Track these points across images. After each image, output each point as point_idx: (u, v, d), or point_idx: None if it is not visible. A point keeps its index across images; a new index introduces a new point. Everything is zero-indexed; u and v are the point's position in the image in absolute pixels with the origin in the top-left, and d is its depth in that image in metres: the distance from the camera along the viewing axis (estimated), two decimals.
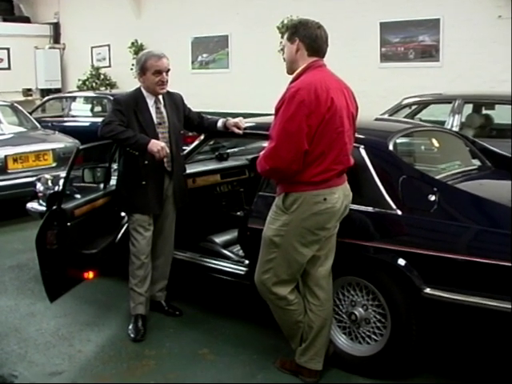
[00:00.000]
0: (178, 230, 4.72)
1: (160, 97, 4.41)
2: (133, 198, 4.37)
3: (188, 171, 5.10)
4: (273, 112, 3.45)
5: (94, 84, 15.73)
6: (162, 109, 4.41)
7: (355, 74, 11.09)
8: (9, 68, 16.91)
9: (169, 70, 4.39)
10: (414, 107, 8.11)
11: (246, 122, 4.51)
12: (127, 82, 13.82)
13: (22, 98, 16.22)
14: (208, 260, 4.64)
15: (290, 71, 3.56)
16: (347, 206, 3.58)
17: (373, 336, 3.73)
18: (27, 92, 17.06)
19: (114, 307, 4.94)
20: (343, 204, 3.50)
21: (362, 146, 3.82)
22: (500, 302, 3.19)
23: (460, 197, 3.57)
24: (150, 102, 4.37)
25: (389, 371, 3.69)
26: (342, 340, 3.86)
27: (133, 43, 14.95)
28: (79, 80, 15.97)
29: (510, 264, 3.14)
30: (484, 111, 8.11)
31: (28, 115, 9.60)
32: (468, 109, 7.96)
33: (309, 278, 3.62)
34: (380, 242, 3.57)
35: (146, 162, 4.28)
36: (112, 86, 15.67)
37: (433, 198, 3.51)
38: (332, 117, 3.31)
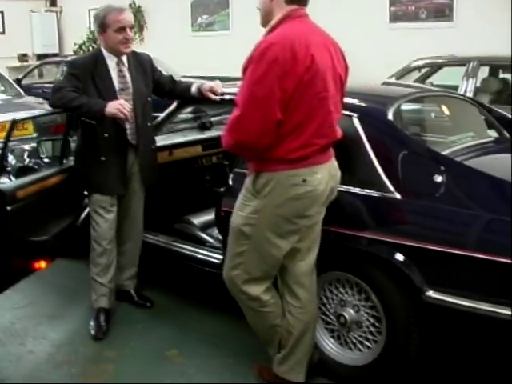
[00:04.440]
0: (152, 209, 4.14)
1: (124, 58, 3.78)
2: (91, 175, 3.78)
3: (164, 142, 4.52)
4: None
5: (90, 48, 14.99)
6: (126, 72, 3.79)
7: (362, 35, 10.42)
8: (3, 32, 16.32)
9: (133, 25, 3.75)
10: (424, 70, 7.43)
11: (224, 86, 3.87)
12: None
13: (17, 64, 15.64)
14: (180, 245, 4.05)
15: (265, 24, 2.90)
16: (334, 189, 2.94)
17: (365, 342, 3.13)
18: (23, 57, 16.42)
19: (82, 295, 4.29)
20: (328, 186, 2.86)
21: (356, 115, 3.17)
22: None
23: (473, 178, 2.91)
24: (112, 64, 3.74)
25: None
26: (329, 345, 3.26)
27: (130, 5, 14.13)
28: (75, 44, 15.30)
29: None
30: (501, 75, 7.41)
31: (11, 82, 9.03)
32: (484, 73, 7.28)
33: (287, 275, 3.01)
34: (374, 233, 2.93)
35: (106, 135, 3.68)
36: None
37: (439, 178, 2.87)
38: (312, 79, 2.65)
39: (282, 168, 2.74)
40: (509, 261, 2.57)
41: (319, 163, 2.79)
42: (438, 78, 7.55)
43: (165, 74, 4.19)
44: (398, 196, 2.93)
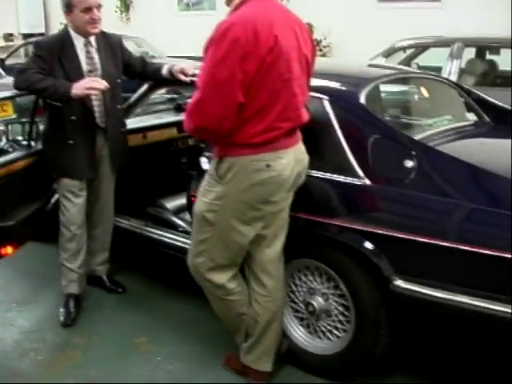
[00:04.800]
0: (126, 192, 4.06)
1: (92, 39, 3.65)
2: (59, 159, 3.66)
3: (138, 125, 4.42)
4: None
5: None
6: (94, 53, 3.66)
7: (350, 15, 10.27)
8: None
9: (100, 5, 3.61)
10: (410, 51, 7.31)
11: (196, 68, 3.75)
12: (111, 25, 13.00)
13: (2, 44, 15.38)
14: (151, 230, 3.95)
15: (229, 3, 2.78)
16: (301, 174, 2.85)
17: (335, 331, 3.05)
18: (9, 37, 16.16)
19: (54, 280, 4.17)
20: (294, 171, 2.76)
21: (327, 98, 3.06)
22: (492, 303, 2.49)
23: (445, 163, 2.80)
24: (79, 44, 3.62)
25: (353, 374, 3.03)
26: (299, 334, 3.19)
27: None
28: (61, 24, 15.05)
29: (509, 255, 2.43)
30: (488, 56, 7.31)
31: None
32: (471, 54, 7.17)
33: (253, 263, 2.93)
34: (342, 220, 2.84)
35: (74, 118, 3.57)
36: None
37: (410, 164, 2.77)
38: (275, 60, 2.54)
39: (245, 153, 2.64)
40: (481, 250, 2.48)
41: (284, 147, 2.70)
42: (425, 59, 7.45)
43: (151, 54, 4.07)
44: (368, 182, 2.83)
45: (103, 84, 3.42)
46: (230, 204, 2.71)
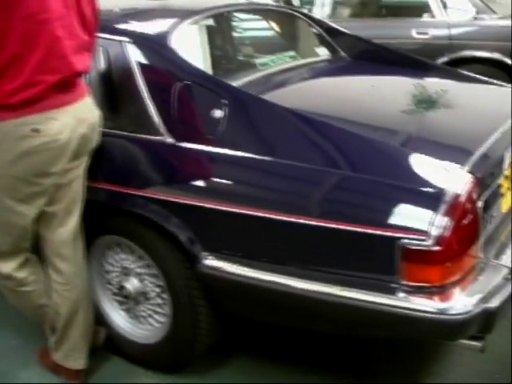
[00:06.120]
0: None
1: None
2: None
3: None
4: None
5: None
6: None
7: None
8: None
9: None
10: None
11: None
12: None
13: None
14: None
15: None
16: (88, 136, 2.32)
17: (156, 316, 2.60)
18: None
19: None
20: (76, 134, 2.24)
21: (128, 40, 2.52)
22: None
23: (265, 113, 2.33)
24: None
25: (180, 363, 2.62)
26: (119, 320, 2.72)
27: None
28: None
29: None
30: None
31: None
32: None
33: (46, 246, 2.43)
34: (143, 189, 2.33)
35: None
36: None
37: (218, 114, 2.29)
38: None
39: (5, 117, 2.10)
40: (299, 220, 2.05)
41: (57, 106, 2.16)
42: None
43: None
44: (170, 140, 2.34)
45: None
46: None
